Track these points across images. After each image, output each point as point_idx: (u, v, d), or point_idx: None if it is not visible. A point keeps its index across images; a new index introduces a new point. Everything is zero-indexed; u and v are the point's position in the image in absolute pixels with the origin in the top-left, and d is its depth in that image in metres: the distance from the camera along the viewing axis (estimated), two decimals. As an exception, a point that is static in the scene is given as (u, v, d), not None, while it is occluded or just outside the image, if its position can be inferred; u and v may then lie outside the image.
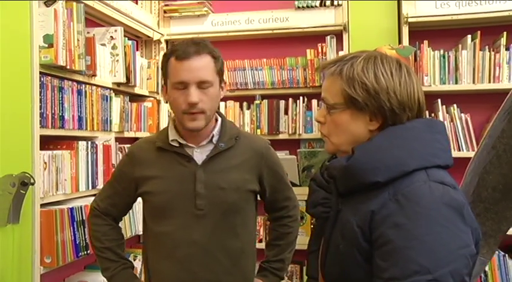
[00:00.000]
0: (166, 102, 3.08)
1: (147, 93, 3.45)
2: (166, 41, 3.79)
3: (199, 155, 1.73)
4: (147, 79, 3.46)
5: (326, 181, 1.27)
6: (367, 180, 1.13)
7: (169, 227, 1.72)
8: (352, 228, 1.13)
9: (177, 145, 1.73)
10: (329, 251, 1.20)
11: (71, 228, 2.47)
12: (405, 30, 3.16)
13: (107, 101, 2.92)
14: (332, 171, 1.21)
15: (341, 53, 3.43)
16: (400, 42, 3.20)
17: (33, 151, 2.31)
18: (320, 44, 3.49)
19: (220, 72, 1.73)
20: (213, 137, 1.73)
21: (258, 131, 3.58)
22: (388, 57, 1.22)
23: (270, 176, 1.84)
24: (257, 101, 3.61)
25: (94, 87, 2.81)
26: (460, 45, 3.19)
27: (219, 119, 1.79)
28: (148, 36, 3.63)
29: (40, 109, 2.37)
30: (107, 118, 2.93)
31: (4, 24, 2.20)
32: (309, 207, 1.29)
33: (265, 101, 3.59)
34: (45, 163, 2.38)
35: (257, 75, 3.60)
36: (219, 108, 1.84)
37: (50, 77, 2.45)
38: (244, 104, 3.66)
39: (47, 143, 2.53)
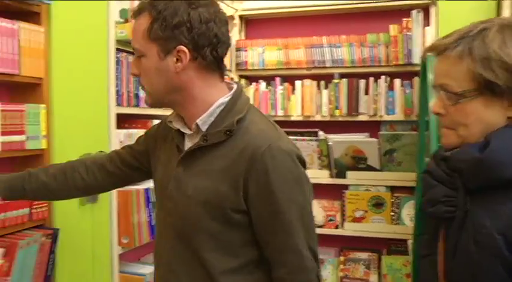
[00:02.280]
0: None
1: (221, 72, 3.34)
2: (240, 17, 3.65)
3: (189, 144, 1.29)
4: (221, 57, 3.34)
5: (447, 174, 1.07)
6: (509, 175, 0.93)
7: (156, 225, 1.42)
8: (491, 235, 0.94)
9: (175, 129, 1.31)
10: (456, 259, 1.01)
11: (147, 209, 2.42)
12: (506, 2, 2.83)
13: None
14: (458, 164, 1.02)
15: (428, 29, 3.15)
16: (499, 16, 2.87)
17: (110, 130, 2.26)
18: (405, 19, 3.22)
19: (160, 38, 1.18)
20: (198, 125, 1.24)
21: (337, 111, 3.38)
22: None
23: (256, 195, 1.18)
24: (336, 80, 3.40)
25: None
26: None
27: (222, 100, 1.25)
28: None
29: (116, 87, 2.31)
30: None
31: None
32: (426, 205, 1.09)
33: (344, 80, 3.38)
34: (121, 142, 2.33)
35: (335, 53, 3.39)
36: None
37: (125, 53, 2.38)
38: (322, 83, 3.47)
39: (122, 121, 2.47)
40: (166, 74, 1.20)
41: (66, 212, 2.01)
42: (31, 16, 1.86)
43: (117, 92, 2.32)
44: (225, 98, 1.25)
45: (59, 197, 1.64)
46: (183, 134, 1.30)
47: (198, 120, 1.23)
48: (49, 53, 1.92)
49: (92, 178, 1.49)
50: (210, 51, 1.20)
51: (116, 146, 2.26)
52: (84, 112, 2.12)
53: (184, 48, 1.18)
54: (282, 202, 1.17)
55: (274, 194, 1.17)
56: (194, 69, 1.21)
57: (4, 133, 1.71)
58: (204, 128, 1.24)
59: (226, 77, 1.31)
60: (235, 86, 1.30)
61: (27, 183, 1.46)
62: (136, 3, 2.35)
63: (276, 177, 1.16)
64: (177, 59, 1.19)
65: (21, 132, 1.78)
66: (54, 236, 1.85)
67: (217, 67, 1.25)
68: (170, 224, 1.29)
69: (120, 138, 2.32)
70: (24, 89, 1.90)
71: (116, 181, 1.53)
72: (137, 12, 1.23)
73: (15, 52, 1.75)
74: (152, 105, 1.29)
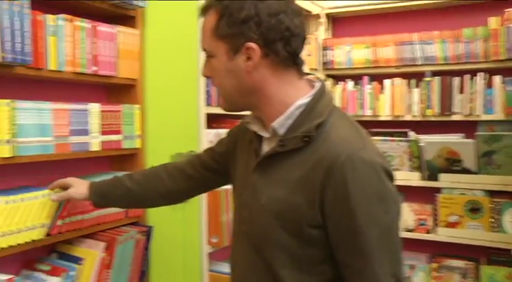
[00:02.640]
0: None
1: (307, 70, 3.29)
2: (327, 15, 3.59)
3: (267, 148, 1.19)
4: (308, 55, 3.30)
5: None
6: None
7: (232, 230, 1.34)
8: None
9: (252, 130, 1.22)
10: None
11: (235, 209, 2.43)
12: None
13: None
14: None
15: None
16: None
17: (200, 129, 2.29)
18: (507, 10, 2.99)
19: (227, 35, 1.09)
20: (274, 128, 1.14)
21: (429, 111, 3.22)
22: None
23: (332, 210, 1.06)
24: (427, 78, 3.24)
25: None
26: None
27: (302, 101, 1.13)
28: (307, 10, 3.45)
29: (206, 87, 2.34)
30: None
31: (174, 3, 2.18)
32: None
33: (436, 78, 3.21)
34: (211, 141, 2.35)
35: (427, 50, 3.23)
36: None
37: (215, 54, 2.40)
38: (412, 81, 3.32)
39: (211, 121, 2.50)
40: (238, 74, 1.11)
41: (159, 210, 2.04)
42: (127, 20, 1.92)
43: (207, 92, 2.34)
44: (304, 99, 1.13)
45: (144, 204, 1.65)
46: (261, 137, 1.20)
47: (274, 123, 1.13)
48: (143, 55, 1.97)
49: (172, 183, 1.46)
50: (282, 46, 1.09)
51: (205, 145, 2.29)
52: (175, 112, 2.17)
53: (254, 45, 1.08)
54: (361, 221, 1.03)
55: (352, 211, 1.03)
56: (267, 67, 1.10)
57: (103, 133, 1.77)
58: (281, 132, 1.13)
59: (312, 76, 1.21)
60: (317, 85, 1.17)
61: (114, 190, 1.49)
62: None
63: (356, 191, 1.02)
64: (248, 57, 1.09)
65: (118, 132, 1.84)
66: (148, 233, 1.90)
67: (292, 63, 1.13)
68: (244, 232, 1.21)
69: (209, 138, 2.34)
70: (119, 90, 1.97)
71: (196, 185, 1.49)
72: (204, 10, 1.15)
73: (113, 55, 1.81)
74: (228, 110, 1.20)
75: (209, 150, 1.48)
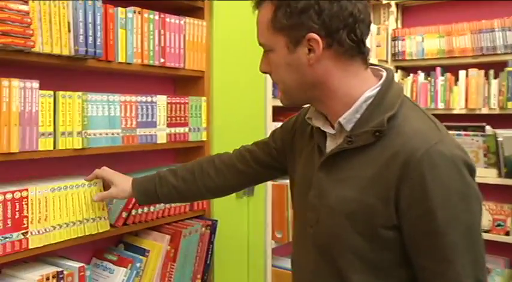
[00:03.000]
0: None
1: (376, 62, 3.17)
2: (397, 5, 3.43)
3: (332, 145, 1.10)
4: (377, 46, 3.17)
5: None
6: None
7: (294, 230, 1.26)
8: None
9: (315, 126, 1.13)
10: None
11: (300, 203, 2.37)
12: None
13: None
14: None
15: None
16: None
17: (266, 122, 2.25)
18: None
19: (286, 27, 1.02)
20: (341, 124, 1.05)
21: (509, 103, 3.01)
22: None
23: (408, 209, 0.98)
24: (509, 68, 3.02)
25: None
26: None
27: (368, 93, 1.04)
28: (377, 0, 3.32)
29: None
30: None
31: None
32: None
33: (519, 68, 2.99)
34: (277, 135, 2.30)
35: (510, 37, 3.01)
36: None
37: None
38: (491, 72, 3.11)
39: (278, 114, 2.45)
40: (299, 68, 1.03)
41: (224, 204, 2.04)
42: (195, 11, 1.90)
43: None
44: (372, 91, 1.03)
45: (189, 199, 1.62)
46: (324, 133, 1.11)
47: (341, 119, 1.04)
48: (210, 47, 1.95)
49: (221, 179, 1.40)
50: (346, 34, 0.99)
51: (271, 139, 2.25)
52: (241, 105, 2.13)
53: (316, 36, 0.98)
54: (442, 222, 0.94)
55: (432, 211, 0.94)
56: (331, 59, 1.01)
57: (170, 125, 1.77)
58: (348, 127, 1.04)
59: (377, 66, 1.11)
60: (384, 74, 1.06)
61: (159, 188, 1.42)
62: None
63: (436, 189, 0.94)
64: (309, 50, 1.00)
65: (184, 124, 1.83)
66: (213, 227, 1.89)
67: (357, 52, 1.02)
68: (311, 235, 1.11)
69: (274, 131, 2.30)
70: (187, 82, 1.96)
71: (247, 180, 1.43)
72: (258, 3, 1.08)
73: (181, 47, 1.80)
74: (288, 105, 1.12)
75: (262, 145, 1.39)
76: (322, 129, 1.10)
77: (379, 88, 1.03)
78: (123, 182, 1.47)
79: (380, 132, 1.00)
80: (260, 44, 1.09)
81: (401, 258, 1.02)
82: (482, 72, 3.13)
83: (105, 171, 1.51)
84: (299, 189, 1.19)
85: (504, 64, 3.04)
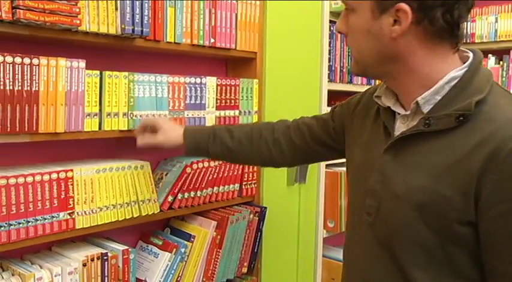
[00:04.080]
0: None
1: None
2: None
3: (403, 128, 1.00)
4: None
5: None
6: None
7: (349, 219, 1.15)
8: None
9: (384, 105, 1.04)
10: None
11: (355, 193, 2.27)
12: None
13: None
14: None
15: None
16: None
17: (321, 107, 2.15)
18: None
19: None
20: (418, 104, 0.95)
21: None
22: None
23: (490, 205, 0.88)
24: None
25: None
26: None
27: (454, 73, 0.93)
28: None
29: (329, 62, 2.18)
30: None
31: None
32: None
33: None
34: (332, 120, 2.21)
35: None
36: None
37: (340, 26, 2.23)
38: None
39: (333, 98, 2.35)
40: (379, 38, 0.93)
41: (274, 191, 1.97)
42: (248, -10, 1.83)
43: (330, 67, 2.19)
44: (457, 71, 0.93)
45: (238, 162, 1.59)
46: (393, 114, 1.02)
47: (419, 98, 0.94)
48: (263, 27, 1.87)
49: (278, 151, 1.33)
50: (442, 13, 0.88)
51: (325, 124, 2.15)
52: (295, 88, 2.05)
53: (406, 7, 0.88)
54: None
55: None
56: (416, 36, 0.91)
57: (219, 107, 1.72)
58: (425, 109, 0.94)
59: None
60: (471, 55, 0.96)
61: (212, 145, 1.35)
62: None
63: None
64: (395, 21, 0.90)
65: (235, 107, 1.77)
66: (262, 214, 1.83)
67: (449, 35, 0.91)
68: (369, 225, 1.02)
69: (330, 116, 2.20)
70: (238, 64, 1.90)
71: (301, 156, 1.34)
72: None
73: (232, 27, 1.73)
74: (359, 74, 1.06)
75: (322, 122, 1.29)
76: (393, 109, 1.01)
77: (465, 69, 0.93)
78: (172, 129, 1.40)
79: (464, 117, 0.89)
80: (343, 1, 0.98)
81: (473, 258, 0.92)
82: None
83: (154, 118, 1.45)
84: (357, 173, 1.10)
85: None
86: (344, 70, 2.27)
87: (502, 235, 0.87)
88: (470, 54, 0.96)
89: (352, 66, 1.03)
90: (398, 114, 1.00)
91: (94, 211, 1.42)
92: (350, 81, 2.30)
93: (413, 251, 0.95)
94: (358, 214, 1.05)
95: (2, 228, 1.24)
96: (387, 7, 0.90)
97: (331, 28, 2.18)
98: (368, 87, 2.34)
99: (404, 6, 0.88)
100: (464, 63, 0.94)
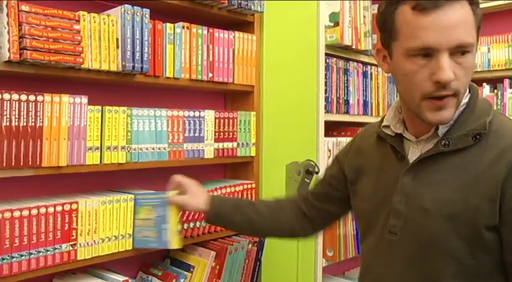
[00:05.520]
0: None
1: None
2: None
3: (417, 152, 1.09)
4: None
5: None
6: None
7: (365, 244, 1.22)
8: None
9: (392, 134, 1.13)
10: None
11: (353, 221, 2.29)
12: None
13: (393, 84, 2.64)
14: None
15: None
16: None
17: (318, 138, 2.19)
18: None
19: (479, 28, 1.01)
20: (437, 127, 1.05)
21: None
22: None
23: (511, 208, 0.98)
24: None
25: (380, 69, 2.56)
26: None
27: (462, 100, 1.05)
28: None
29: (325, 93, 2.24)
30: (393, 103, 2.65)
31: (292, 6, 2.12)
32: None
33: None
34: (329, 151, 2.24)
35: None
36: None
37: (335, 58, 2.30)
38: None
39: (330, 129, 2.39)
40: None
41: (273, 220, 2.00)
42: (245, 26, 1.90)
43: (326, 98, 2.24)
44: (464, 99, 1.05)
45: (259, 233, 1.56)
46: (401, 139, 1.12)
47: None
48: (260, 61, 1.93)
49: (297, 225, 1.38)
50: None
51: (323, 154, 2.19)
52: (292, 119, 2.10)
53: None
54: None
55: None
56: None
57: (218, 140, 1.76)
58: (441, 132, 1.05)
59: None
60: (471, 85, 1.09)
61: (234, 215, 1.38)
62: (346, 5, 2.25)
63: None
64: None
65: (233, 139, 1.82)
66: (260, 244, 1.85)
67: None
68: (394, 243, 1.08)
69: (328, 146, 2.24)
70: (236, 97, 1.96)
71: (317, 223, 1.39)
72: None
73: (230, 61, 1.80)
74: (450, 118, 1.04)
75: (319, 183, 1.39)
76: (405, 135, 1.11)
77: (469, 96, 1.07)
78: (199, 195, 1.41)
79: (480, 135, 1.02)
80: (461, 45, 0.98)
81: (498, 264, 1.01)
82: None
83: (184, 178, 1.45)
84: (373, 198, 1.16)
85: None
86: (340, 101, 2.32)
87: None
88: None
89: (444, 116, 1.01)
90: (408, 140, 1.11)
91: (96, 242, 1.45)
92: (347, 112, 2.35)
93: (445, 261, 1.01)
94: (378, 236, 1.13)
95: (5, 261, 1.27)
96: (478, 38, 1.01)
97: (327, 60, 2.24)
98: (365, 117, 2.40)
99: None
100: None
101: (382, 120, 1.17)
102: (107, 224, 1.47)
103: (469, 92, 1.07)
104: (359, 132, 1.33)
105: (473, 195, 0.99)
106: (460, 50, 0.97)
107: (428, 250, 1.03)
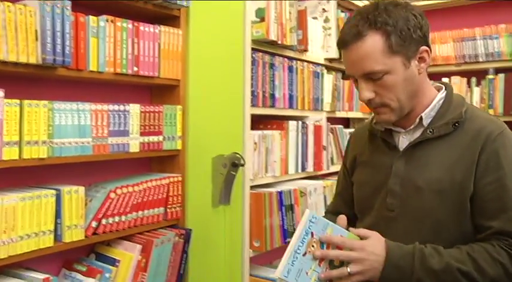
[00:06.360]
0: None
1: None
2: (381, 12, 3.44)
3: (406, 141, 1.30)
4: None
5: None
6: None
7: (362, 225, 1.36)
8: None
9: (382, 129, 1.33)
10: None
11: (280, 212, 2.36)
12: None
13: (318, 78, 2.74)
14: None
15: None
16: None
17: (244, 131, 2.24)
18: None
19: (403, 47, 1.18)
20: (421, 119, 1.27)
21: (491, 110, 3.02)
22: None
23: (484, 170, 1.20)
24: (490, 76, 3.04)
25: (305, 64, 2.65)
26: None
27: (440, 95, 1.28)
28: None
29: (251, 87, 2.28)
30: (318, 97, 2.74)
31: (218, 1, 2.14)
32: None
33: (500, 76, 3.01)
34: (256, 144, 2.30)
35: (491, 45, 3.02)
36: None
37: (261, 53, 2.35)
38: (473, 79, 3.14)
39: (256, 122, 2.45)
40: (414, 79, 1.22)
41: (199, 213, 2.03)
42: (171, 20, 1.90)
43: (252, 92, 2.29)
44: (441, 94, 1.28)
45: None
46: (390, 133, 1.33)
47: (422, 114, 1.26)
48: (186, 55, 1.94)
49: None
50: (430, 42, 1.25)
51: (250, 147, 2.24)
52: (218, 113, 2.13)
53: (425, 47, 1.21)
54: (508, 175, 1.18)
55: (502, 178, 1.17)
56: (424, 68, 1.24)
57: (143, 134, 1.76)
58: (426, 122, 1.26)
59: None
60: (442, 84, 1.32)
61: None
62: (272, 3, 2.31)
63: (506, 157, 1.19)
64: (419, 59, 1.21)
65: (158, 133, 1.82)
66: (186, 236, 1.87)
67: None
68: (392, 219, 1.28)
69: (254, 139, 2.29)
70: (162, 91, 1.96)
71: None
72: (356, 38, 1.18)
73: (155, 55, 1.79)
74: (392, 121, 1.27)
75: (345, 189, 1.50)
76: (394, 129, 1.32)
77: (445, 92, 1.29)
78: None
79: (458, 123, 1.23)
80: (370, 73, 1.19)
81: (470, 228, 1.22)
82: (465, 80, 3.14)
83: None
84: (370, 186, 1.35)
85: (485, 72, 3.06)
86: (266, 95, 2.38)
87: (496, 190, 1.18)
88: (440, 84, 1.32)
89: (384, 119, 1.26)
90: (396, 132, 1.32)
91: (14, 240, 1.40)
92: (272, 105, 2.41)
93: (437, 230, 1.22)
94: (376, 216, 1.33)
95: None
96: (412, 55, 1.20)
97: (253, 55, 2.29)
98: (291, 111, 2.47)
99: (424, 47, 1.21)
100: (436, 89, 1.30)
101: (372, 120, 1.37)
102: (26, 220, 1.43)
103: (445, 89, 1.29)
104: (351, 135, 1.55)
105: (457, 172, 1.21)
106: (371, 76, 1.20)
107: (422, 221, 1.24)
